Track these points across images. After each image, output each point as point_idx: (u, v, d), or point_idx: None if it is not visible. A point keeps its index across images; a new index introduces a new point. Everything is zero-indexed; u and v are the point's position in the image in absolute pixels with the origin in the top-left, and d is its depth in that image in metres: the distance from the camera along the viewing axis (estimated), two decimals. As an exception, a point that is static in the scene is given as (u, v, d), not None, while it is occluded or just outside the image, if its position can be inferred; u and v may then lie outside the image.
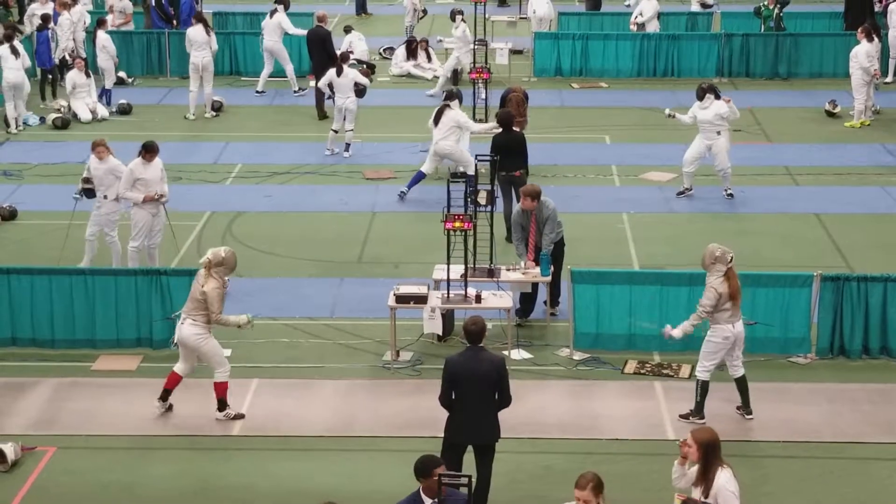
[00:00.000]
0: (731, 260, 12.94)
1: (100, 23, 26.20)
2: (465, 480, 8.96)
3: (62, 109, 24.82)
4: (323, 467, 12.60)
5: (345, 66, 22.20)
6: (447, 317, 14.99)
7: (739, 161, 20.53)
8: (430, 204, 19.32)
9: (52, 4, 27.06)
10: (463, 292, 14.61)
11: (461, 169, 19.85)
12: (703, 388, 13.20)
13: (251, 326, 13.44)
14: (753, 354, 14.02)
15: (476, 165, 16.45)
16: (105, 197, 16.64)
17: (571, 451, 12.80)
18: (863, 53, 23.80)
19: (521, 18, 30.82)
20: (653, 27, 28.94)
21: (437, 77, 27.16)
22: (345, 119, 22.12)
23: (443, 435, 11.42)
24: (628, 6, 32.46)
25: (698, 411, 13.27)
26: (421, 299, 14.53)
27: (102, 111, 24.86)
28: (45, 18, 25.77)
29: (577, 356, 14.82)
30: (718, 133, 19.64)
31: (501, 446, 11.53)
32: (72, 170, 21.37)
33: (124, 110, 25.26)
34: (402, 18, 31.90)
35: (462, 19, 26.41)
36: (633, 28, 29.01)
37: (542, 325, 15.66)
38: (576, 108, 25.86)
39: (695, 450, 9.52)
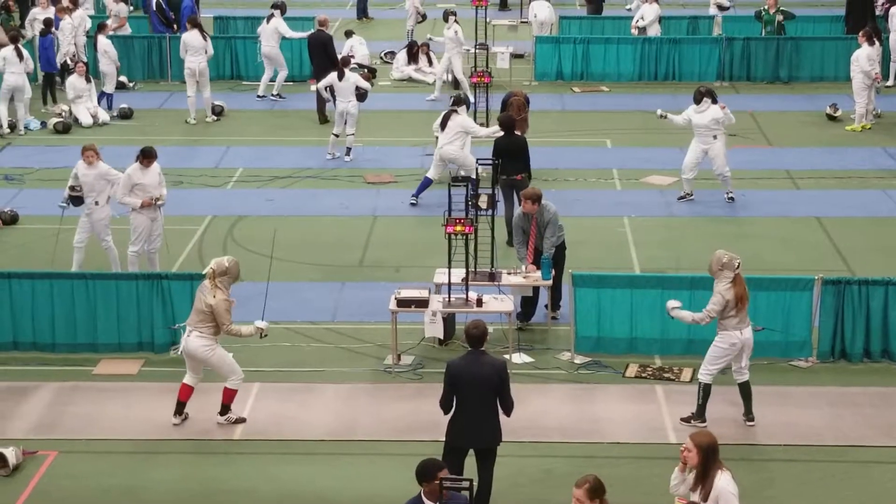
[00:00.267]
0: (739, 266, 12.93)
1: (100, 27, 26.21)
2: (466, 484, 8.97)
3: (63, 114, 24.84)
4: (324, 471, 12.60)
5: (346, 71, 22.21)
6: (448, 320, 14.99)
7: (740, 165, 20.52)
8: (431, 208, 19.34)
9: (53, 9, 27.09)
10: (464, 296, 14.61)
11: (462, 173, 19.84)
12: (705, 391, 13.19)
13: (264, 335, 13.39)
14: (755, 358, 13.97)
15: (477, 169, 16.45)
16: (97, 203, 16.59)
17: (572, 454, 12.80)
18: (864, 57, 23.81)
19: (522, 22, 30.82)
20: (654, 31, 28.95)
21: (444, 82, 27.13)
22: (346, 123, 22.13)
23: (444, 439, 11.42)
24: (629, 10, 32.47)
25: (700, 414, 13.26)
26: (422, 303, 14.53)
27: (103, 115, 24.88)
28: (48, 23, 25.80)
29: (579, 360, 14.82)
30: (715, 137, 19.63)
31: (502, 450, 11.53)
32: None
33: (125, 114, 25.27)
34: (403, 22, 31.93)
35: (455, 20, 26.40)
36: (635, 32, 29.02)
37: (544, 328, 15.66)
38: (577, 111, 25.86)
39: (694, 454, 9.51)
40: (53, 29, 25.91)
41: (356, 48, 27.97)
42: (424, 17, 31.82)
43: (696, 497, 9.52)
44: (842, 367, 14.74)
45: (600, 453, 12.85)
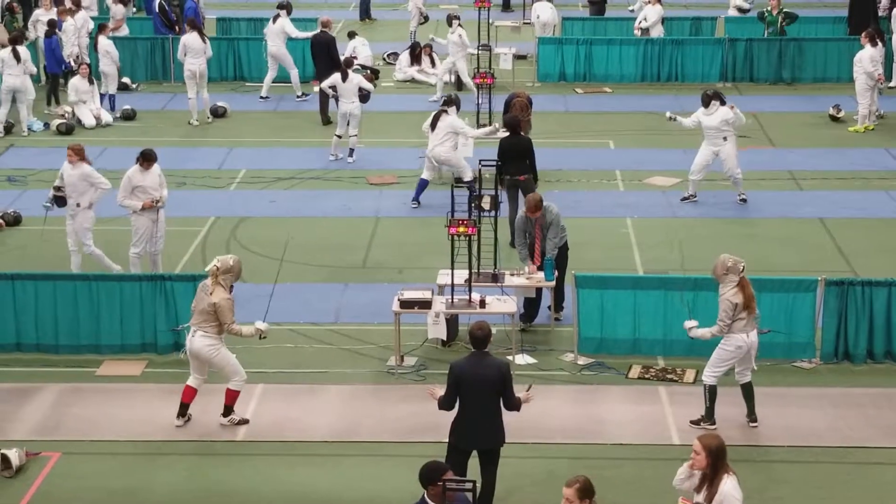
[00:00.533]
0: (743, 269, 12.92)
1: (101, 28, 26.24)
2: (469, 486, 8.96)
3: (66, 115, 24.86)
4: (327, 473, 12.60)
5: (349, 72, 22.22)
6: (451, 322, 14.99)
7: (744, 166, 20.48)
8: (434, 209, 19.34)
9: (56, 10, 27.11)
10: (467, 297, 14.61)
11: (455, 175, 19.85)
12: (712, 392, 13.18)
13: (263, 336, 13.41)
14: (758, 359, 13.96)
15: (479, 170, 16.44)
16: (78, 205, 16.58)
17: (575, 455, 12.79)
18: (867, 58, 23.81)
19: (524, 23, 30.81)
20: (657, 32, 28.95)
21: (445, 83, 27.13)
22: (349, 124, 22.13)
23: (447, 440, 11.42)
24: (632, 11, 32.47)
25: (709, 416, 13.25)
26: (425, 304, 14.53)
27: (106, 117, 24.89)
28: (52, 24, 25.82)
29: (582, 361, 14.82)
30: (725, 139, 19.62)
31: (506, 451, 11.53)
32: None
33: (128, 116, 25.29)
34: (406, 24, 31.94)
35: (459, 24, 26.41)
36: (638, 33, 29.01)
37: (547, 329, 15.66)
38: (580, 113, 25.85)
39: (702, 456, 9.47)
40: (59, 30, 25.93)
41: (359, 49, 27.98)
42: (427, 18, 31.83)
43: (699, 498, 9.50)
44: (845, 368, 14.73)
45: (603, 454, 12.84)
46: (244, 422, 13.43)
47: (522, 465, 12.47)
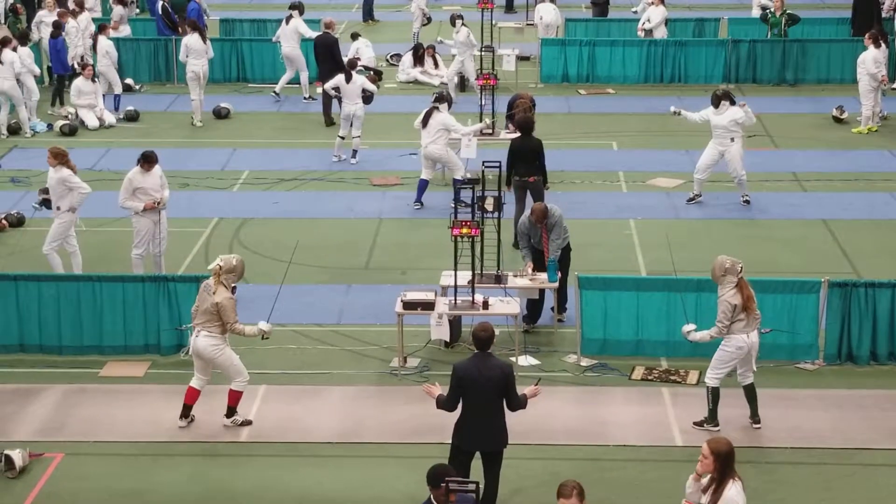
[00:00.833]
0: (742, 270, 12.91)
1: (101, 28, 26.26)
2: (472, 487, 8.96)
3: (70, 116, 24.88)
4: (331, 474, 12.59)
5: (353, 73, 22.22)
6: (454, 323, 14.99)
7: (747, 167, 20.48)
8: (437, 210, 19.34)
9: (57, 11, 27.12)
10: (470, 299, 14.61)
11: (449, 173, 19.82)
12: (714, 394, 13.17)
13: (266, 337, 13.42)
14: (761, 360, 13.96)
15: (483, 171, 16.44)
16: (58, 208, 16.56)
17: (579, 457, 12.78)
18: (870, 59, 23.79)
19: (527, 25, 30.81)
20: (660, 33, 28.93)
21: (444, 83, 27.16)
22: (352, 125, 22.13)
23: (450, 441, 11.41)
24: (635, 12, 32.46)
25: (713, 418, 13.24)
26: (428, 305, 14.53)
27: (110, 118, 24.89)
28: (58, 25, 25.83)
29: (585, 362, 14.81)
30: (732, 140, 19.61)
31: (509, 453, 11.52)
32: (79, 176, 21.32)
33: (132, 117, 25.30)
34: (409, 25, 31.94)
35: (463, 24, 26.40)
36: (641, 34, 29.00)
37: (550, 331, 15.65)
38: (583, 114, 25.85)
39: (710, 461, 9.45)
40: (64, 32, 25.95)
41: (362, 51, 27.99)
42: (430, 19, 31.83)
43: (704, 500, 9.49)
44: (848, 369, 14.72)
45: (606, 456, 12.84)
46: (247, 423, 13.43)
47: (525, 467, 12.47)
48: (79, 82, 24.50)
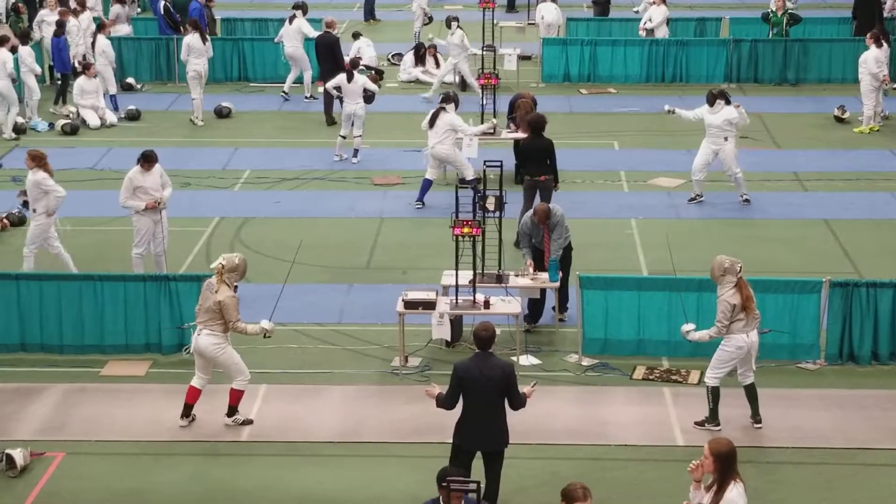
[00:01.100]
0: (741, 270, 12.91)
1: (101, 27, 26.25)
2: (473, 486, 8.96)
3: (71, 116, 24.87)
4: (331, 473, 12.59)
5: (355, 73, 22.22)
6: (455, 323, 14.99)
7: (748, 167, 20.51)
8: (439, 210, 19.34)
9: (59, 11, 27.12)
10: (471, 298, 14.61)
11: (457, 173, 19.83)
12: (714, 394, 13.17)
13: (268, 336, 13.42)
14: (763, 360, 13.98)
15: (484, 171, 16.43)
16: (34, 211, 16.54)
17: (580, 457, 12.78)
18: (872, 59, 23.79)
19: (529, 24, 30.79)
20: (662, 33, 28.92)
21: (444, 83, 27.15)
22: (353, 125, 22.13)
23: (451, 441, 11.41)
24: (637, 12, 32.46)
25: (713, 418, 13.24)
26: (429, 305, 14.52)
27: (111, 117, 24.89)
28: (61, 24, 25.83)
29: (586, 362, 14.81)
30: (725, 139, 19.62)
31: (510, 452, 11.52)
32: (80, 176, 21.44)
33: (133, 116, 25.30)
34: (410, 24, 31.92)
35: (458, 26, 26.39)
36: (642, 34, 28.99)
37: (551, 330, 15.65)
38: (584, 113, 25.85)
39: (710, 461, 9.41)
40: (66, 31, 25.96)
41: (363, 50, 27.98)
42: (431, 18, 31.82)
43: (705, 501, 9.46)
44: (850, 369, 14.72)
45: (607, 456, 12.83)
46: (248, 422, 13.43)
47: (526, 466, 12.47)
48: (81, 81, 24.50)
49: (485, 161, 16.72)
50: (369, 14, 35.32)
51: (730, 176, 19.91)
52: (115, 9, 29.59)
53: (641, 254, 18.16)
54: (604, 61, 27.96)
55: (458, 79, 26.99)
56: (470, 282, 14.62)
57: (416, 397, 13.92)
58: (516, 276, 15.37)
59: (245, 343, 14.27)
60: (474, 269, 14.60)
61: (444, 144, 19.66)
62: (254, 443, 13.16)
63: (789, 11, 28.47)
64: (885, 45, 24.18)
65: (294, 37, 26.32)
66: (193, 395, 13.33)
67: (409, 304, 14.56)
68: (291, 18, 26.39)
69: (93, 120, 24.54)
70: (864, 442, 13.11)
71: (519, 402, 11.31)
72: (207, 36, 25.59)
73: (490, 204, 15.07)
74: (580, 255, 16.16)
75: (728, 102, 19.62)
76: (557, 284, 15.39)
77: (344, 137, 22.36)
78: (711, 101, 19.62)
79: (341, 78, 22.10)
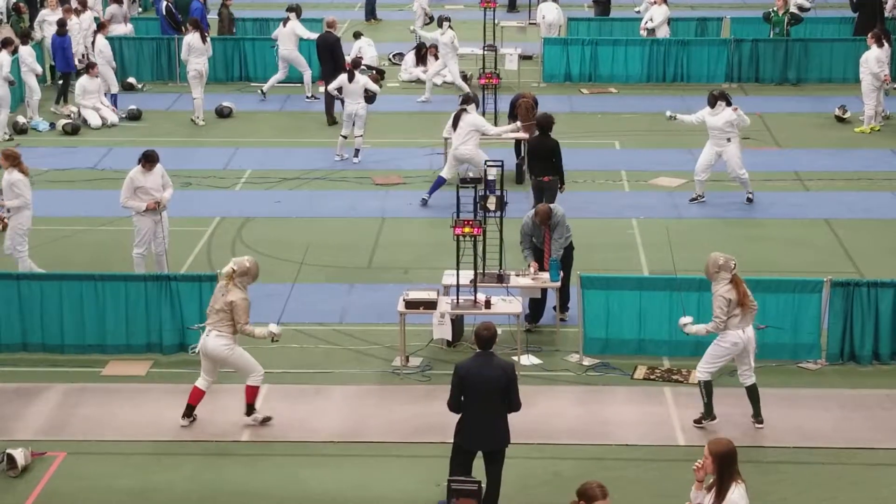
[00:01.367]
0: (735, 267, 12.92)
1: (100, 27, 26.24)
2: (474, 486, 8.97)
3: (72, 115, 24.88)
4: (333, 473, 12.59)
5: (356, 73, 22.23)
6: (457, 322, 14.99)
7: (749, 167, 20.48)
8: (440, 209, 19.34)
9: (60, 10, 27.13)
10: (472, 298, 14.61)
11: (471, 174, 19.82)
12: (707, 388, 13.17)
13: (276, 339, 13.42)
14: (763, 360, 13.98)
15: (485, 170, 16.45)
16: (8, 211, 16.55)
17: (581, 456, 12.78)
18: (873, 59, 23.79)
19: (530, 24, 30.80)
20: (663, 33, 28.92)
21: (446, 83, 27.16)
22: (354, 125, 22.13)
23: (452, 440, 11.41)
24: (638, 12, 32.45)
25: (709, 413, 13.25)
26: (430, 305, 14.53)
27: (112, 117, 24.90)
28: (63, 23, 25.83)
29: (587, 362, 14.81)
30: (728, 140, 19.63)
31: (511, 452, 11.52)
32: (82, 175, 21.46)
33: (134, 116, 25.30)
34: (411, 24, 31.90)
35: (449, 26, 26.40)
36: (643, 33, 28.99)
37: (552, 330, 15.64)
38: (585, 113, 25.85)
39: (709, 462, 9.40)
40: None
41: (364, 50, 27.96)
42: (432, 18, 31.79)
43: (707, 502, 9.45)
44: (851, 369, 14.72)
45: (609, 455, 12.83)
46: (268, 419, 13.40)
47: (527, 466, 12.47)
48: (84, 81, 24.50)
49: (486, 161, 16.73)
50: (370, 14, 35.33)
51: (733, 178, 19.92)
52: (112, 8, 29.60)
53: (642, 253, 18.16)
54: (605, 61, 27.96)
55: (441, 81, 27.01)
56: (471, 282, 14.62)
57: (417, 397, 13.93)
58: (517, 275, 15.37)
59: (247, 343, 14.25)
60: (475, 268, 14.60)
61: (468, 145, 19.67)
62: (255, 443, 13.17)
63: (790, 11, 28.45)
64: (886, 44, 24.18)
65: (289, 39, 26.33)
66: (197, 396, 13.33)
67: (411, 304, 14.56)
68: (285, 21, 26.40)
69: (94, 120, 24.54)
70: (865, 442, 13.11)
71: (517, 405, 11.30)
72: (208, 35, 25.59)
73: (491, 204, 15.07)
74: (581, 254, 16.16)
75: (729, 104, 19.62)
76: (558, 284, 15.39)
77: (345, 137, 22.36)
78: (712, 103, 19.63)
79: (343, 78, 22.10)
